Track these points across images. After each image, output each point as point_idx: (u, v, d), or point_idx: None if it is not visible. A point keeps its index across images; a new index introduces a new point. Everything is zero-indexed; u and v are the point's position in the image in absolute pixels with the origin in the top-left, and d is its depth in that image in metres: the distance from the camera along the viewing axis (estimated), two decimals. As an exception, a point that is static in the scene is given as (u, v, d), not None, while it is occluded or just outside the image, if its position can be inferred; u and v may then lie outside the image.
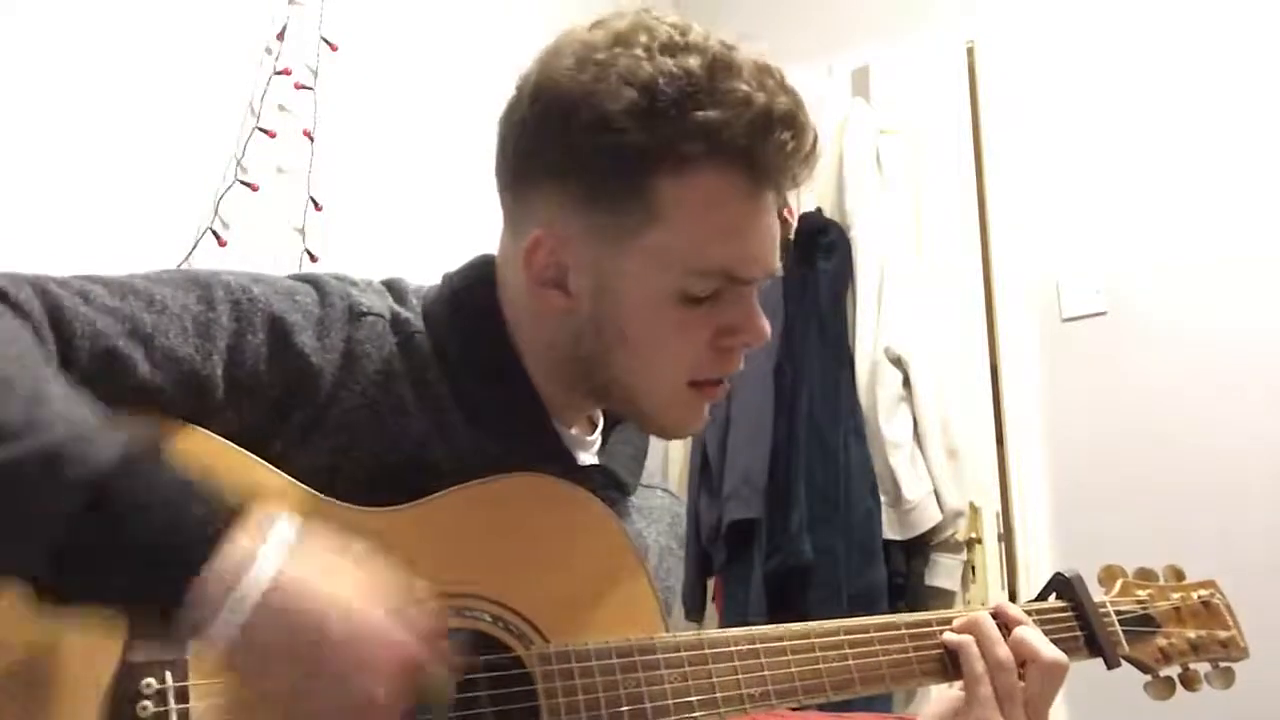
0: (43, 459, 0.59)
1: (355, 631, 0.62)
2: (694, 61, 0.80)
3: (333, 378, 0.81)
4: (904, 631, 0.94)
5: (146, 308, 0.75)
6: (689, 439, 2.94)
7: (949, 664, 0.95)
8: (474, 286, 0.92)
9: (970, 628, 0.96)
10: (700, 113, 0.79)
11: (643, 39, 0.81)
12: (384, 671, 0.63)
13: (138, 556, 0.60)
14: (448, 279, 0.94)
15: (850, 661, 0.90)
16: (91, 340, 0.71)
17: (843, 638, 0.90)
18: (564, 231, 0.83)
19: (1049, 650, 0.95)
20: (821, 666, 0.88)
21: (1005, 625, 0.97)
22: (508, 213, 0.90)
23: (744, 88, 0.79)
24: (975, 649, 0.94)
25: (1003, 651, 0.94)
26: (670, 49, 0.80)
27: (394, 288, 0.91)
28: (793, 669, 0.86)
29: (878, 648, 0.92)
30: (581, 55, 0.82)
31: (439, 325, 0.89)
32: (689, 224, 0.81)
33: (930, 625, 0.97)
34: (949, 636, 0.96)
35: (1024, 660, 0.94)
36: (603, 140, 0.79)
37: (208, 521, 0.61)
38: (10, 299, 0.69)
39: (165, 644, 0.66)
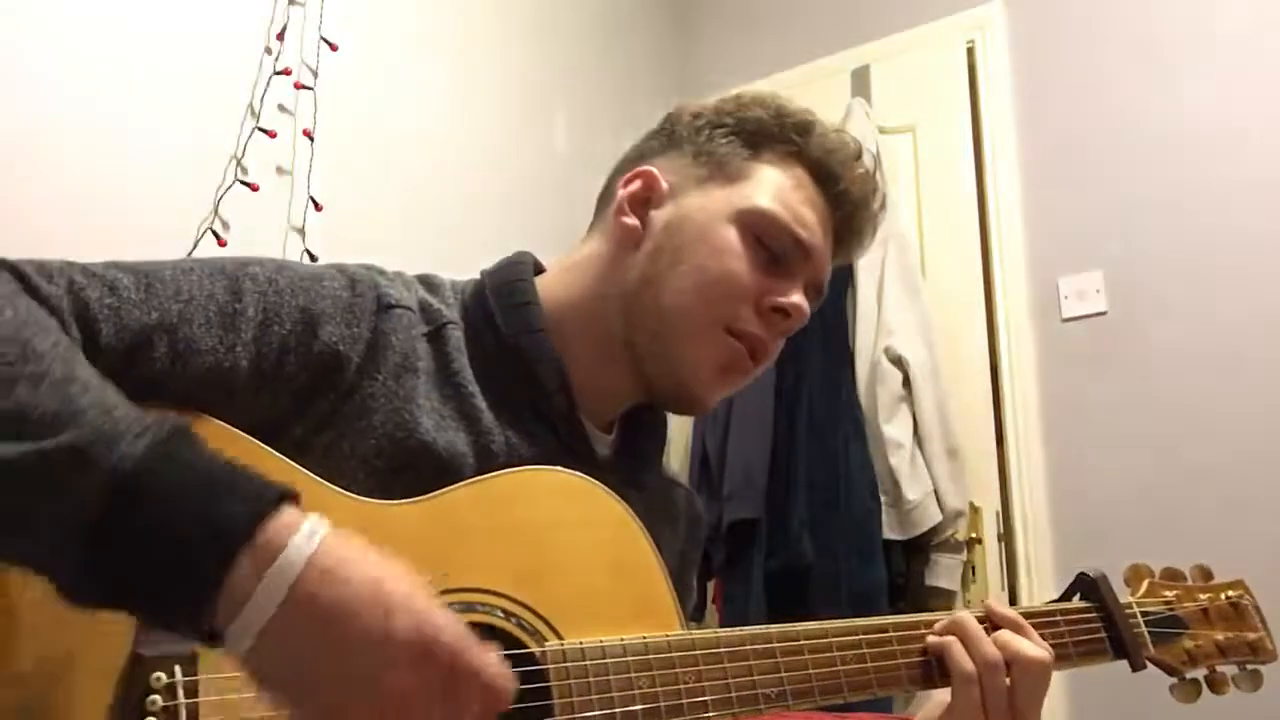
0: (70, 454, 0.58)
1: (388, 629, 0.59)
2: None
3: (357, 367, 0.81)
4: (923, 632, 0.92)
5: (173, 297, 0.75)
6: (688, 439, 2.95)
7: (935, 667, 0.91)
8: (514, 278, 0.94)
9: (953, 628, 0.91)
10: (814, 120, 0.97)
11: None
12: (419, 671, 0.59)
13: (162, 556, 0.57)
14: (485, 272, 0.97)
15: (869, 664, 0.88)
16: (116, 333, 0.71)
17: (860, 638, 0.88)
18: (666, 176, 0.96)
19: (1030, 648, 0.89)
20: (840, 668, 0.86)
21: (993, 625, 0.92)
22: (606, 191, 1.01)
23: (847, 137, 1.00)
24: (960, 649, 0.89)
25: (989, 650, 0.88)
26: None
27: (426, 281, 0.93)
28: (810, 669, 0.85)
29: (896, 648, 0.90)
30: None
31: (474, 316, 0.91)
32: (770, 186, 0.94)
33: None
34: (932, 639, 0.91)
35: (1008, 660, 0.89)
36: (730, 116, 0.97)
37: (236, 518, 0.58)
38: (40, 292, 0.69)
39: (175, 638, 0.64)
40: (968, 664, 0.88)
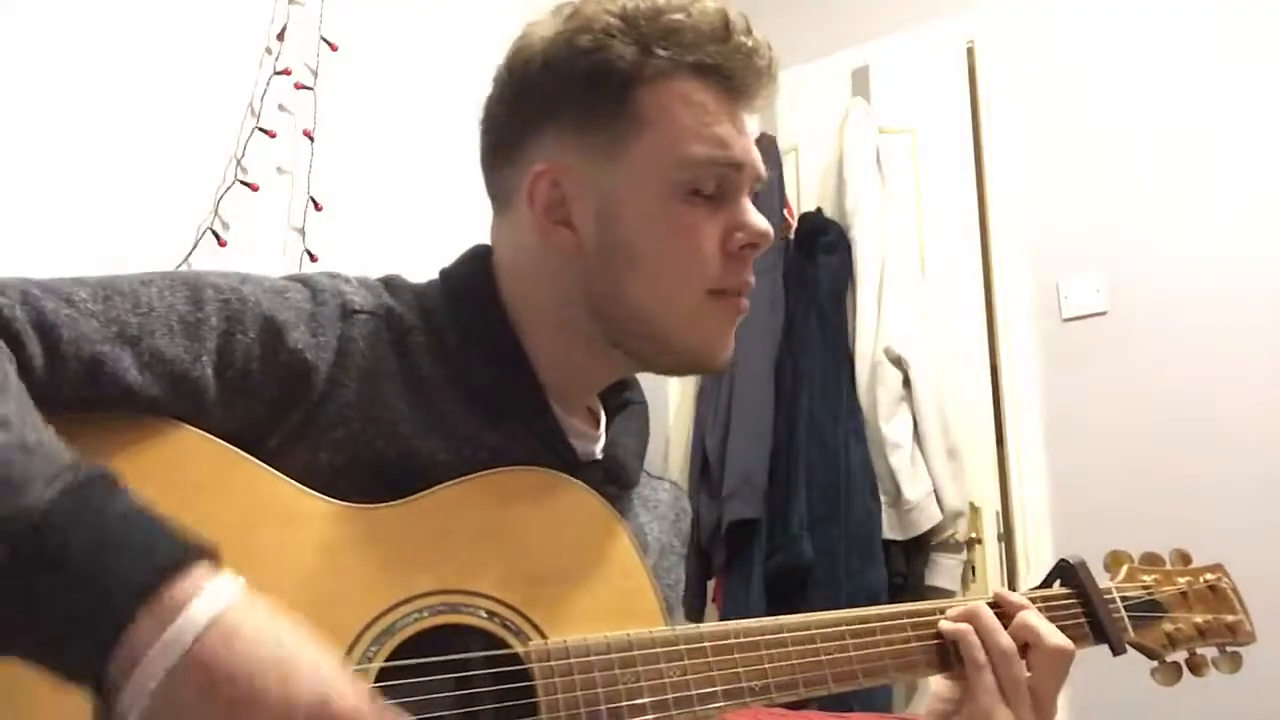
0: None
1: (303, 684, 0.57)
2: None
3: (326, 374, 0.80)
4: (905, 622, 0.93)
5: (133, 310, 0.74)
6: (688, 439, 2.95)
7: (951, 654, 0.93)
8: (470, 274, 0.92)
9: (968, 617, 0.93)
10: (669, 17, 0.86)
11: None
12: None
13: (60, 609, 0.55)
14: (444, 272, 0.95)
15: (851, 653, 0.88)
16: (78, 346, 0.70)
17: (844, 629, 0.88)
18: (561, 162, 0.87)
19: (1052, 636, 0.92)
20: (824, 658, 0.86)
21: (1006, 613, 0.94)
22: (496, 188, 0.94)
23: (702, 3, 0.88)
24: (975, 638, 0.91)
25: (1004, 640, 0.91)
26: None
27: (390, 285, 0.91)
28: (794, 661, 0.85)
29: (880, 638, 0.90)
30: (551, 19, 0.89)
31: (436, 317, 0.88)
32: (672, 122, 0.86)
33: (933, 615, 0.94)
34: (945, 626, 0.93)
35: (1026, 646, 0.92)
36: (585, 62, 0.86)
37: (139, 573, 0.56)
38: None
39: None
40: (980, 654, 0.91)
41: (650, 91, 0.86)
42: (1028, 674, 0.91)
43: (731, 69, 0.88)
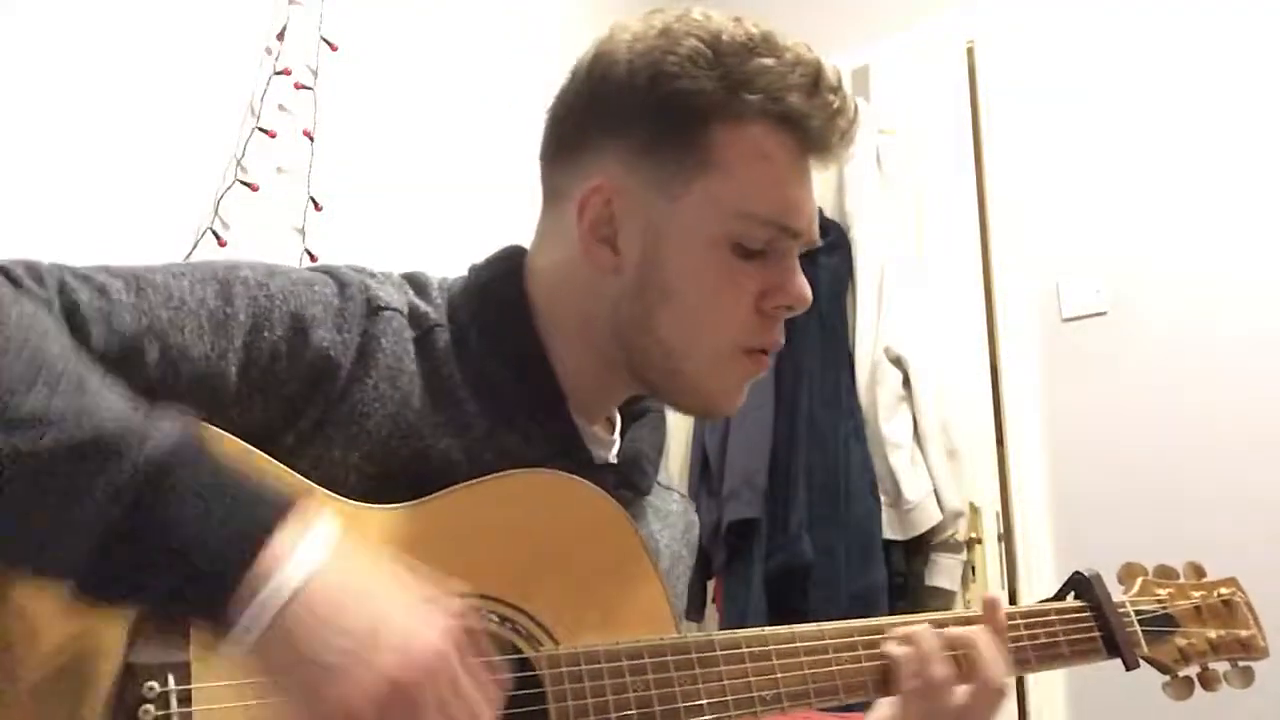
0: (99, 446, 0.59)
1: (390, 637, 0.62)
2: (751, 27, 0.86)
3: (348, 372, 0.80)
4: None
5: (164, 303, 0.74)
6: (688, 439, 2.95)
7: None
8: (500, 275, 0.92)
9: (910, 640, 0.90)
10: (760, 60, 0.83)
11: (698, 16, 0.86)
12: (416, 681, 0.62)
13: (181, 554, 0.60)
14: (473, 269, 0.94)
15: (864, 664, 0.88)
16: (107, 337, 0.71)
17: (857, 639, 0.89)
18: (620, 183, 0.86)
19: (991, 669, 0.90)
20: (835, 669, 0.87)
21: (998, 628, 0.93)
22: (552, 184, 0.92)
23: (798, 49, 0.86)
24: (912, 665, 0.89)
25: (939, 671, 0.89)
26: (727, 20, 0.86)
27: (414, 281, 0.90)
28: (805, 670, 0.85)
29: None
30: (641, 27, 0.87)
31: (461, 315, 0.88)
32: (742, 172, 0.84)
33: (945, 625, 0.93)
34: (891, 648, 0.90)
35: (968, 669, 0.90)
36: (666, 87, 0.84)
37: (250, 520, 0.61)
38: (31, 294, 0.69)
39: (168, 646, 0.65)
40: (914, 680, 0.89)
41: (725, 131, 0.84)
42: (963, 702, 0.89)
43: (813, 125, 0.85)
